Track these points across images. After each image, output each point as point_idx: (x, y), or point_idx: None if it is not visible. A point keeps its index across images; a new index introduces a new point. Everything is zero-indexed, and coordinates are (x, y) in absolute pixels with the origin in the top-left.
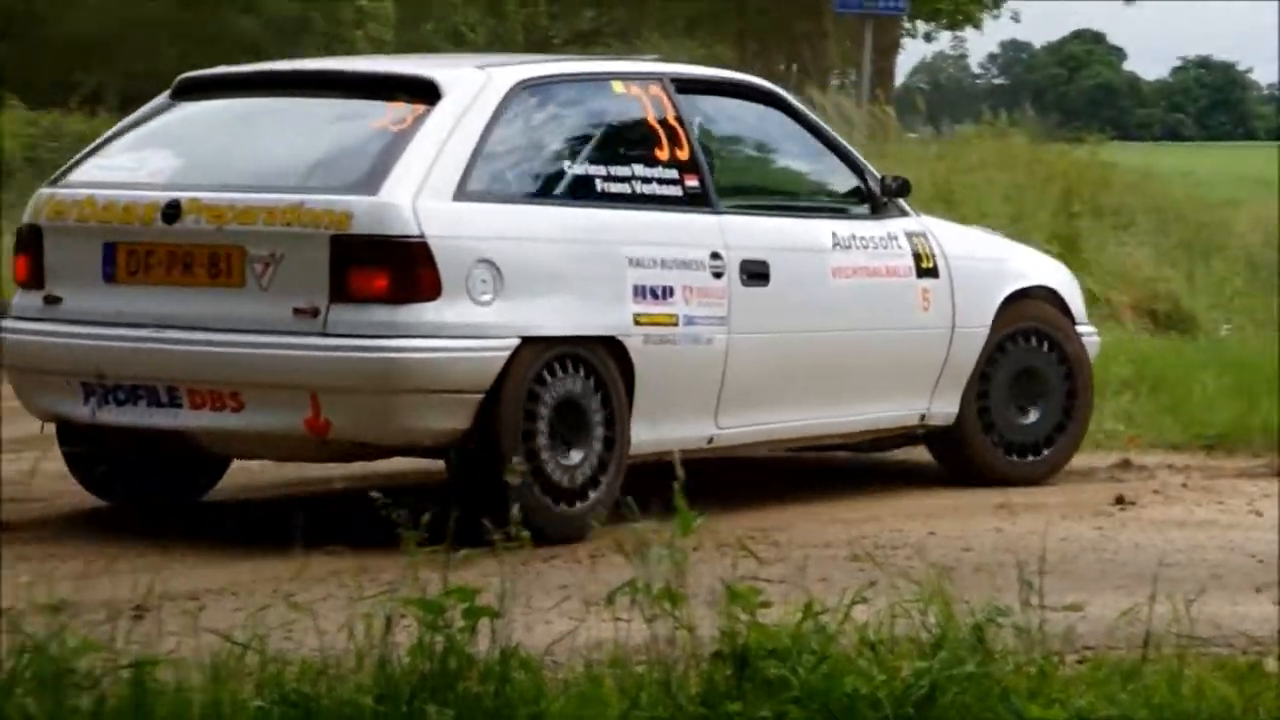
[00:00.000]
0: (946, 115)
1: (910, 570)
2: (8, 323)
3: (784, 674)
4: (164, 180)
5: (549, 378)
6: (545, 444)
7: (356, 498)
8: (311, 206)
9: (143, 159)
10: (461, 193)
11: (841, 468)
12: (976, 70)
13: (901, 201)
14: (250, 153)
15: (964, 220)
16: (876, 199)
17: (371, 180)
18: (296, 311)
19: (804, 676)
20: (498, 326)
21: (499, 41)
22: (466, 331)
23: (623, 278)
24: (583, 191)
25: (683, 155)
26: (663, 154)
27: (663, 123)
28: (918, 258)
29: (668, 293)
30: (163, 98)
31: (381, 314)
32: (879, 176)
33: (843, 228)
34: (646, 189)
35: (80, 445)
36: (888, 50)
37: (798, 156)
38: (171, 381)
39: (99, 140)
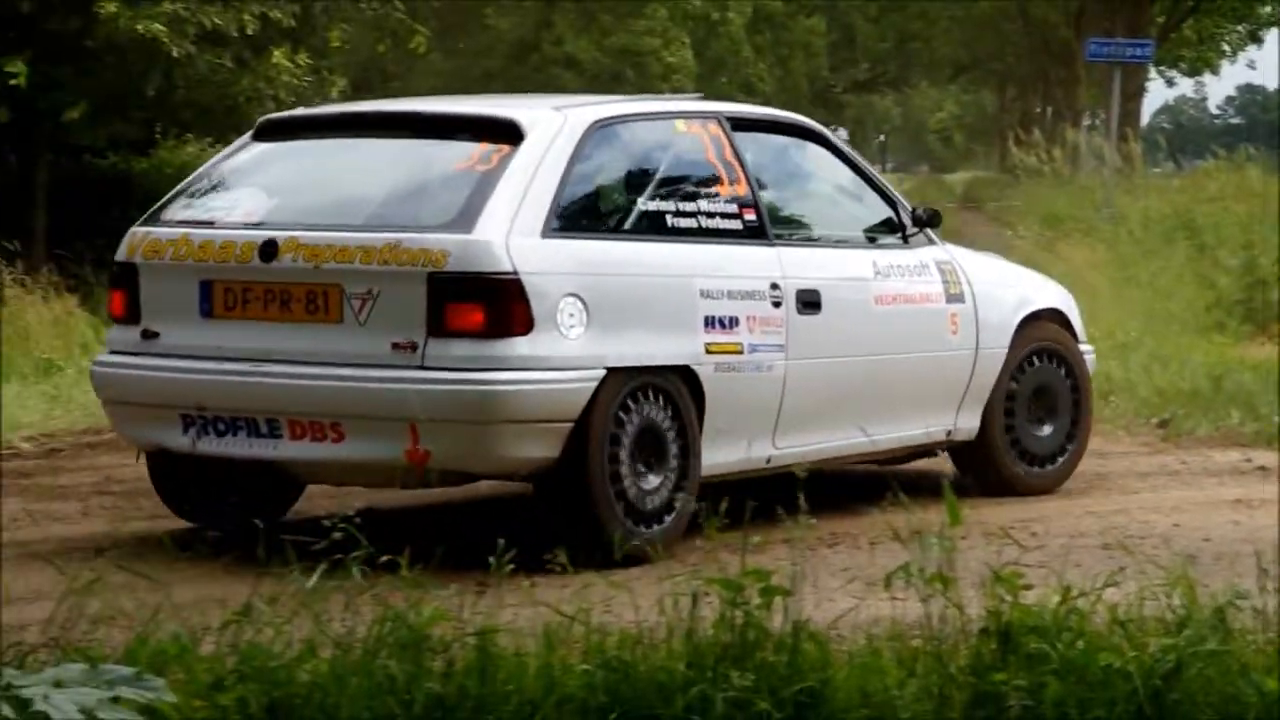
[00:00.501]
0: (1187, 152)
1: (1156, 558)
2: (104, 356)
3: (1044, 649)
4: (258, 219)
5: (631, 406)
6: (628, 470)
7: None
8: (408, 245)
9: (234, 198)
10: (548, 229)
11: (1083, 470)
12: (1215, 111)
13: (930, 231)
14: (342, 192)
15: (1203, 246)
16: (908, 229)
17: (465, 219)
18: (395, 346)
19: (1062, 651)
20: (585, 358)
21: (785, 92)
22: (557, 364)
23: (695, 309)
24: (655, 226)
25: (741, 190)
26: (724, 189)
27: (722, 159)
28: (947, 284)
29: (734, 323)
30: (245, 138)
31: (477, 348)
32: (910, 208)
33: (882, 257)
34: (711, 223)
35: (171, 472)
36: (1134, 94)
37: (839, 189)
38: (272, 413)
39: (188, 180)
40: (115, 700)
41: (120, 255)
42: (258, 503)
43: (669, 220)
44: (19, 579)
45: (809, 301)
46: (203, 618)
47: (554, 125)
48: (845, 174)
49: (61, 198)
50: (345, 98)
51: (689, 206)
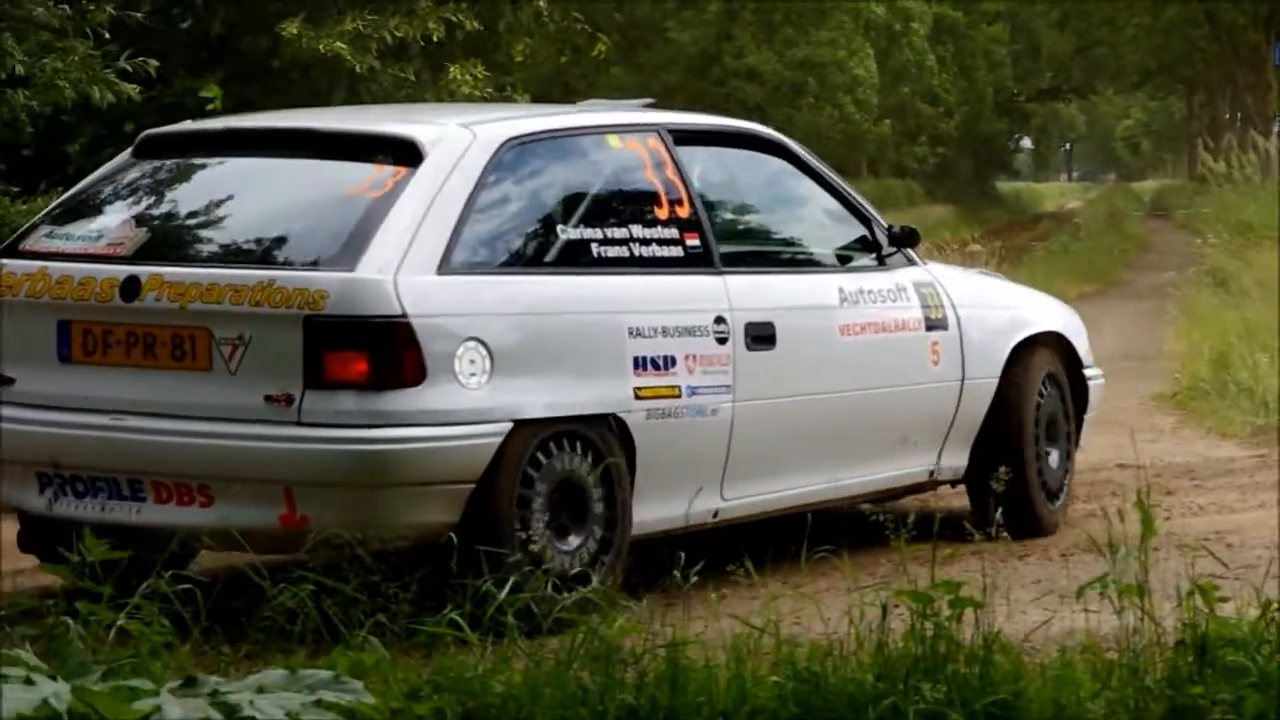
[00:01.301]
0: None
1: None
2: None
3: (1242, 662)
4: (123, 252)
5: (544, 460)
6: (542, 530)
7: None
8: (283, 284)
9: (102, 226)
10: (446, 265)
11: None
12: None
13: (910, 251)
14: (216, 221)
15: None
16: (883, 249)
17: (348, 254)
18: (268, 399)
19: (1261, 665)
20: (488, 410)
21: (969, 103)
22: (455, 418)
23: (622, 349)
24: (578, 257)
25: (683, 212)
26: (662, 212)
27: (661, 177)
28: (927, 309)
29: (669, 363)
30: (124, 156)
31: (361, 401)
32: (886, 226)
33: (850, 282)
34: (646, 251)
35: (41, 534)
36: None
37: (802, 207)
38: (133, 473)
39: (53, 205)
40: (317, 703)
41: None
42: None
43: (594, 250)
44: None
45: (760, 335)
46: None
47: (459, 144)
48: (811, 189)
49: None
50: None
51: (619, 233)
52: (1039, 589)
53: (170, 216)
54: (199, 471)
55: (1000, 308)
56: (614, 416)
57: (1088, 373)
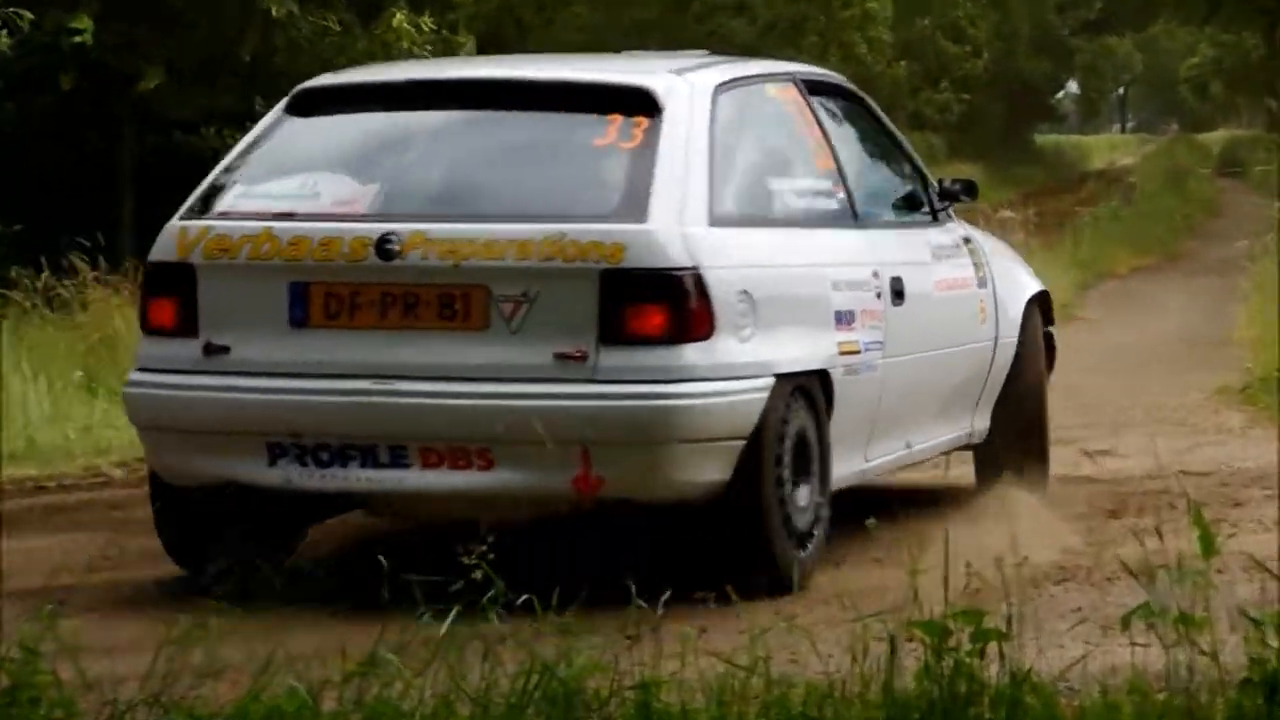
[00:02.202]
0: None
1: None
2: (139, 376)
3: None
4: (363, 209)
5: (789, 417)
6: (790, 489)
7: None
8: (574, 238)
9: (307, 184)
10: (713, 217)
11: None
12: None
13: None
14: (463, 176)
15: None
16: (936, 205)
17: (632, 207)
18: (559, 356)
19: None
20: (758, 365)
21: (1001, 38)
22: (735, 372)
23: (829, 303)
24: (784, 210)
25: (830, 165)
26: (821, 164)
27: (813, 130)
28: (975, 267)
29: (852, 318)
30: (277, 113)
31: (658, 356)
32: (937, 180)
33: (932, 237)
34: (820, 204)
35: (180, 511)
36: None
37: (884, 160)
38: (397, 439)
39: (226, 164)
40: None
41: (165, 254)
42: (259, 546)
43: (791, 202)
44: (111, 627)
45: (898, 290)
46: (323, 669)
47: (687, 94)
48: (884, 142)
49: (149, 181)
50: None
51: (803, 185)
52: (1077, 618)
53: (399, 172)
54: (479, 434)
55: (1010, 266)
56: (825, 372)
57: (1051, 330)
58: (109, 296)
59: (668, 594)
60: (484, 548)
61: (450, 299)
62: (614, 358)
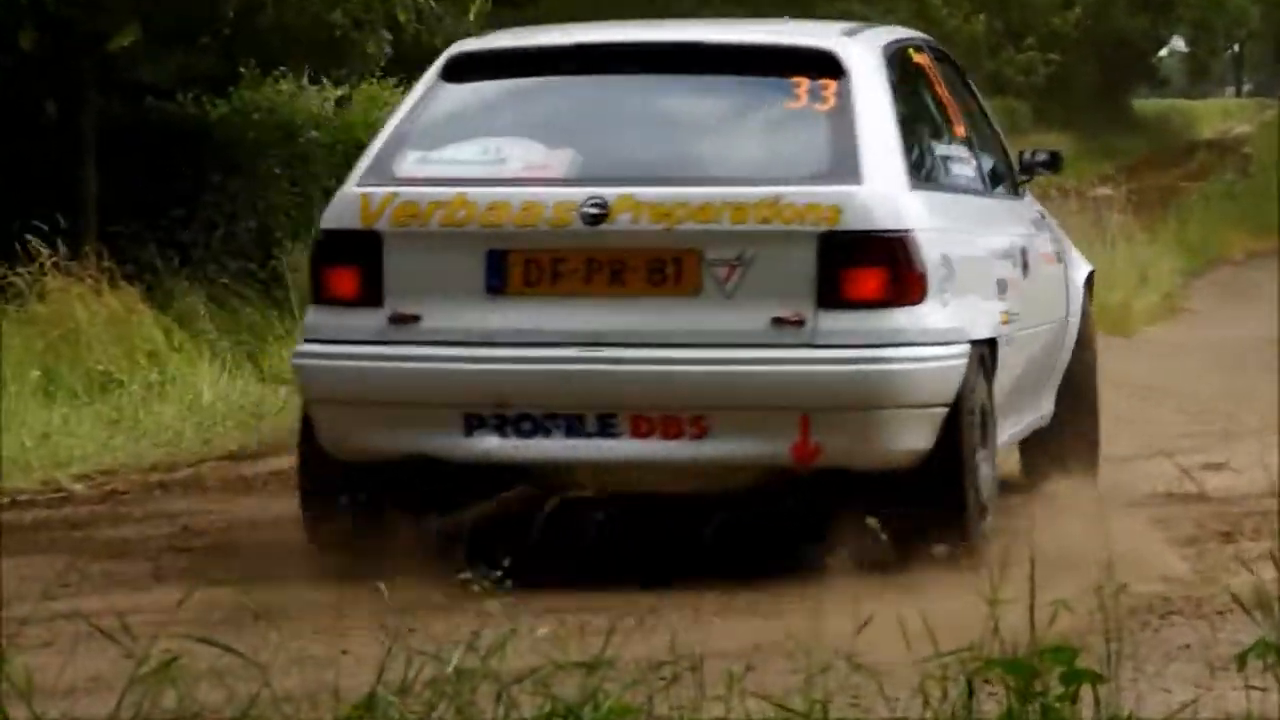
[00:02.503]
0: None
1: None
2: (314, 348)
3: None
4: (562, 174)
5: (976, 386)
6: (977, 458)
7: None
8: (791, 200)
9: (490, 149)
10: (912, 180)
11: None
12: None
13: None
14: (660, 141)
15: None
16: (1016, 179)
17: (843, 169)
18: (776, 321)
19: None
20: (955, 331)
21: None
22: (941, 337)
23: (993, 271)
24: (953, 175)
25: (963, 134)
26: (958, 132)
27: (945, 94)
28: (1055, 241)
29: (1005, 287)
30: (432, 78)
31: (876, 320)
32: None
33: (1021, 210)
34: (966, 172)
35: (328, 488)
36: None
37: (979, 128)
38: (605, 407)
39: (393, 130)
40: None
41: (346, 222)
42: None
43: (950, 168)
44: (73, 661)
45: (1025, 261)
46: (314, 710)
47: (866, 57)
48: (978, 110)
49: (116, 155)
50: (484, 16)
51: (953, 151)
52: (1183, 657)
53: (586, 137)
54: (693, 402)
55: (1067, 243)
56: (993, 341)
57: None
58: (70, 286)
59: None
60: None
61: (661, 263)
62: (832, 322)
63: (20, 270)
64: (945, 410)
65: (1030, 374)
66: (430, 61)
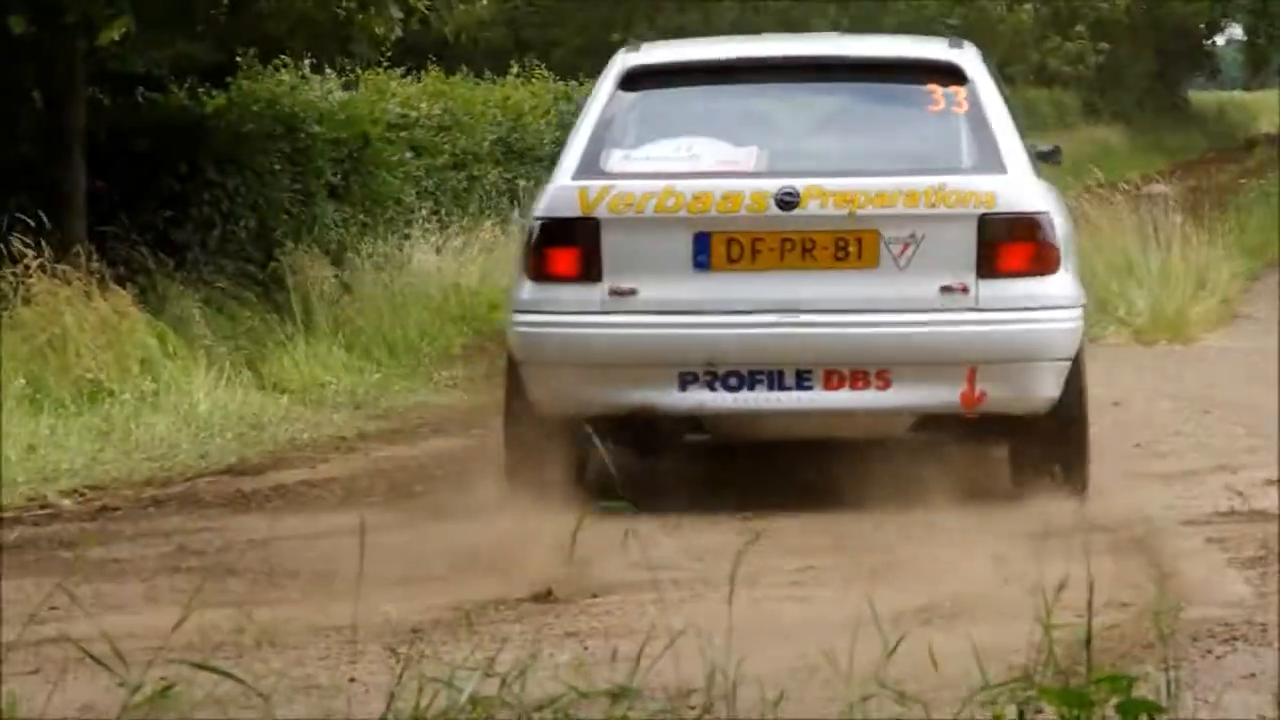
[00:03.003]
0: None
1: None
2: (533, 317)
3: None
4: (753, 168)
5: (1085, 343)
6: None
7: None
8: (955, 188)
9: (686, 148)
10: (1033, 169)
11: None
12: None
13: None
14: (833, 139)
15: None
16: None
17: (990, 161)
18: (945, 289)
19: None
20: (1077, 296)
21: None
22: (1071, 301)
23: (1075, 249)
24: (1037, 166)
25: (1019, 127)
26: (1018, 125)
27: (1004, 96)
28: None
29: (1070, 265)
30: (610, 86)
31: (1026, 287)
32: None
33: None
34: (1035, 162)
35: (529, 436)
36: None
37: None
38: (803, 364)
39: (584, 135)
40: None
41: (565, 211)
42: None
43: (1034, 159)
44: (62, 690)
45: (1068, 246)
46: None
47: (977, 64)
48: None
49: (107, 150)
50: (497, 2)
51: (1027, 144)
52: (1247, 686)
53: (770, 136)
54: (877, 358)
55: None
56: (1085, 307)
57: None
58: (57, 289)
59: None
60: None
61: (845, 242)
62: (990, 289)
63: (4, 272)
64: (1070, 363)
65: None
66: (441, 51)
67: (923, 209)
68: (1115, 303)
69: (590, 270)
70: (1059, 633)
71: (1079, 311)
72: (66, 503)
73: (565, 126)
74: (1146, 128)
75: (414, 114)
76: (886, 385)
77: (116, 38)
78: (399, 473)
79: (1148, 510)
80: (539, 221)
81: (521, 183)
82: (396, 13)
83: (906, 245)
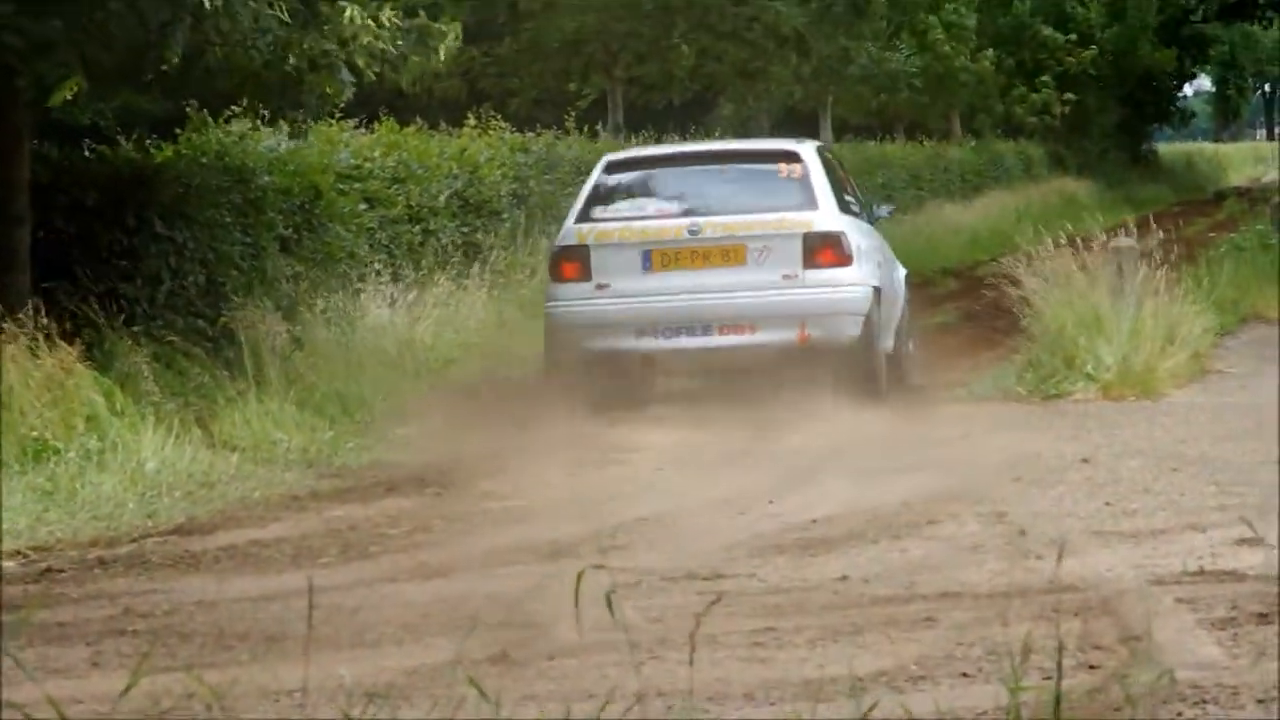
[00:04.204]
0: None
1: None
2: (555, 304)
3: None
4: (673, 212)
5: (873, 305)
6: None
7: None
8: (789, 218)
9: (637, 204)
10: (840, 209)
11: None
12: None
13: None
14: (719, 195)
15: None
16: (873, 217)
17: (810, 203)
18: (785, 276)
19: None
20: (866, 279)
21: (1114, 25)
22: (861, 280)
23: (873, 255)
24: (851, 208)
25: (850, 190)
26: (848, 189)
27: (843, 172)
28: (887, 253)
29: (878, 264)
30: (598, 172)
31: (830, 274)
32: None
33: (877, 234)
34: (856, 208)
35: (560, 368)
36: None
37: (855, 191)
38: (704, 321)
39: (584, 197)
40: None
41: (569, 241)
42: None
43: (851, 206)
44: None
45: (882, 256)
46: None
47: (811, 151)
48: (851, 181)
49: (53, 203)
50: (453, 55)
51: (849, 198)
52: None
53: (684, 195)
54: (748, 316)
55: (894, 257)
56: (876, 288)
57: None
58: (1, 344)
59: None
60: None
61: (726, 252)
62: (811, 275)
63: None
64: (864, 316)
65: (887, 311)
66: (395, 102)
67: (771, 231)
68: (1083, 358)
69: (585, 273)
70: (1027, 694)
71: (865, 288)
72: (10, 564)
73: (522, 179)
74: (1114, 180)
75: (367, 165)
76: (754, 331)
77: (69, 96)
78: (352, 532)
79: (1117, 570)
80: (558, 247)
81: (480, 237)
82: (347, 76)
83: (762, 251)
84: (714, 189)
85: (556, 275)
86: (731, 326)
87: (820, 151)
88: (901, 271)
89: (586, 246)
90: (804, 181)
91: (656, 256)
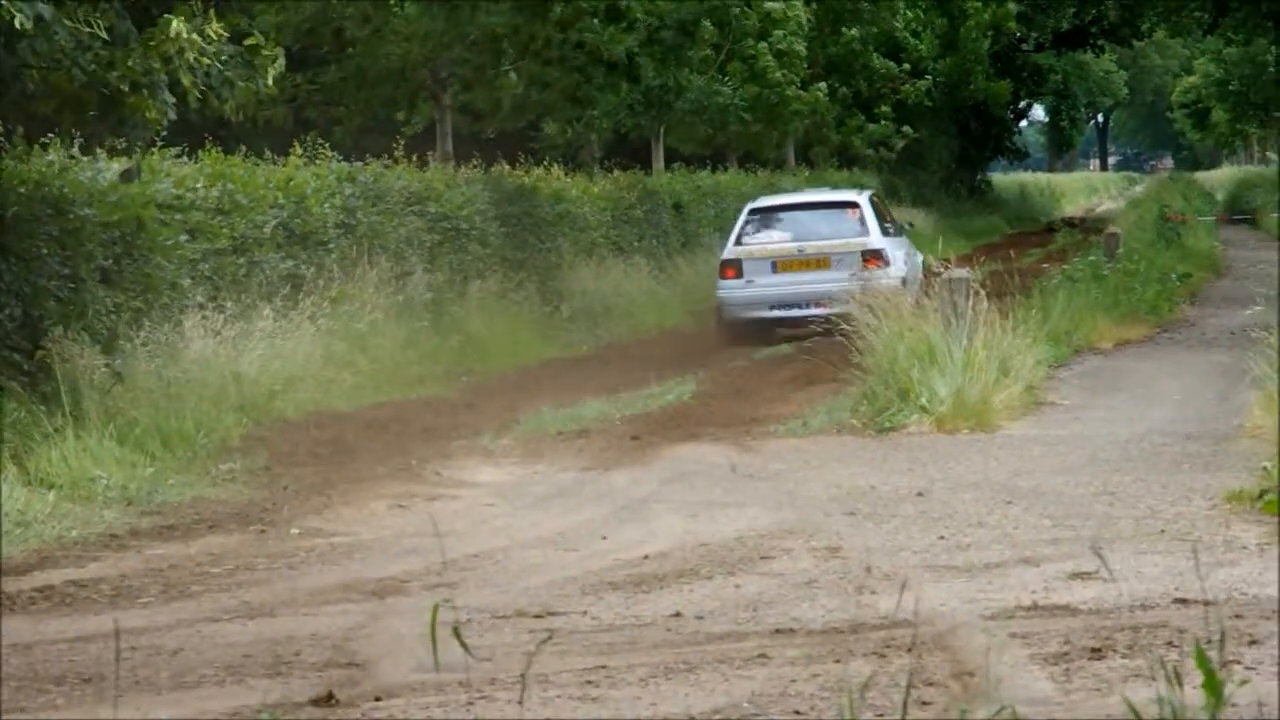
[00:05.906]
0: None
1: None
2: (723, 291)
3: None
4: (789, 240)
5: (907, 288)
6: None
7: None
8: (853, 240)
9: (766, 235)
10: (883, 233)
11: None
12: None
13: None
14: (813, 227)
15: None
16: (902, 230)
17: (865, 232)
18: (851, 275)
19: None
20: (898, 275)
21: (948, 55)
22: (896, 276)
23: (905, 258)
24: (890, 230)
25: (889, 217)
26: (889, 219)
27: (884, 206)
28: (912, 250)
29: (907, 261)
30: (747, 213)
31: (875, 271)
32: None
33: (906, 241)
34: (893, 229)
35: (725, 329)
36: None
37: (892, 218)
38: (805, 299)
39: (735, 232)
40: None
41: (730, 255)
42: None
43: (890, 229)
44: None
45: (908, 257)
46: None
47: (864, 198)
48: (888, 209)
49: None
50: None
51: (889, 224)
52: None
53: (795, 230)
54: (832, 296)
55: (915, 250)
56: (904, 278)
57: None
58: None
59: None
60: None
61: (820, 261)
62: (866, 274)
63: None
64: (903, 284)
65: (910, 282)
66: (219, 131)
67: (842, 249)
68: (917, 390)
69: (739, 274)
70: None
71: (896, 280)
72: None
73: (349, 209)
74: (948, 211)
75: (190, 195)
76: (830, 306)
77: None
78: (173, 571)
79: (950, 604)
80: (724, 259)
81: (306, 268)
82: (169, 97)
83: (838, 260)
84: (810, 224)
85: (723, 275)
86: (820, 303)
87: (870, 198)
88: (919, 257)
89: (740, 259)
90: (861, 218)
91: (779, 264)
